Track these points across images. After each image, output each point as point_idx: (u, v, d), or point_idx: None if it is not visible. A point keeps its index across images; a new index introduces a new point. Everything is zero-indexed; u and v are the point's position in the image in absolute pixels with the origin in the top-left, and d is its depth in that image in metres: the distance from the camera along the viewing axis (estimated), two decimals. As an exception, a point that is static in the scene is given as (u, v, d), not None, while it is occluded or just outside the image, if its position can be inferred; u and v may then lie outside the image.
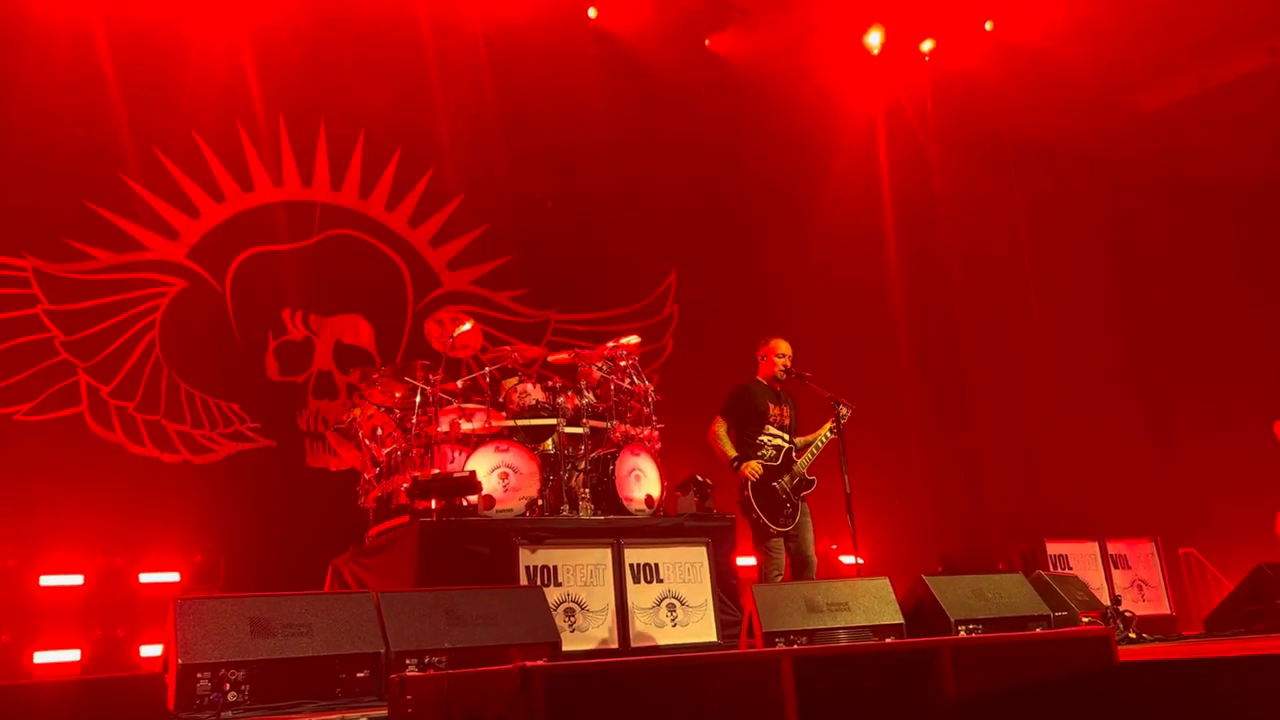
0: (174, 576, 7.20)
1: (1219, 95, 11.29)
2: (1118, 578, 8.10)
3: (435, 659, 4.28)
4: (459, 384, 6.85)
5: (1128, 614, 6.18)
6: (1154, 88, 11.71)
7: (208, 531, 7.46)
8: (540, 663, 2.50)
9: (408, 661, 4.24)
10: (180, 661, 3.83)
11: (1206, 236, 13.52)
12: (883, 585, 5.61)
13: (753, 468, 6.10)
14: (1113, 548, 8.19)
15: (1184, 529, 9.86)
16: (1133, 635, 6.00)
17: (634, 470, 6.40)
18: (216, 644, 3.93)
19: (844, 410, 6.12)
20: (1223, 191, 13.77)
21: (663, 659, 2.68)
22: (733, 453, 6.21)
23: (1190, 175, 13.43)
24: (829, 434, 6.15)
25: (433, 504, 5.82)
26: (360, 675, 4.13)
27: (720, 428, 6.28)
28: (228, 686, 3.86)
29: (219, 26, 8.43)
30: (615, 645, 5.56)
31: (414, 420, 6.35)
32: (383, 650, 4.21)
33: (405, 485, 6.11)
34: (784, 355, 6.34)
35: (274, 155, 8.74)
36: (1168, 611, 8.16)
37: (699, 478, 6.67)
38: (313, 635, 4.10)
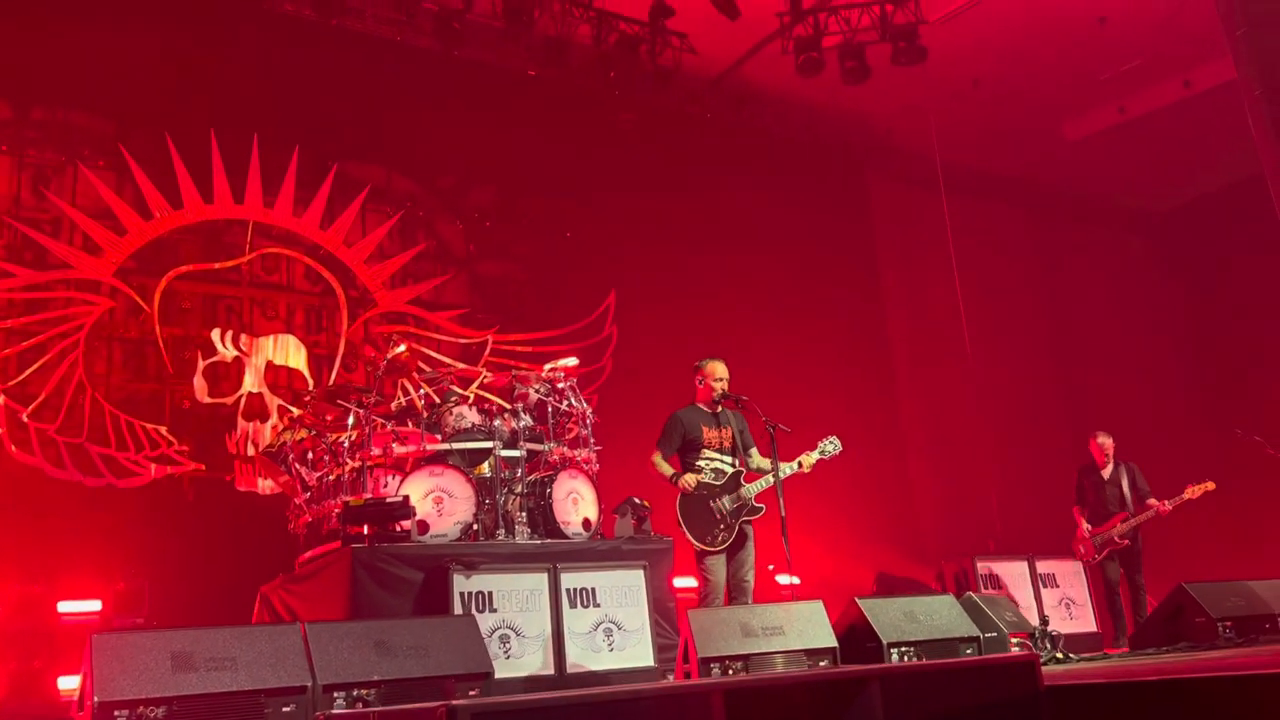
0: (95, 605, 6.95)
1: (1138, 125, 11.78)
2: (1046, 596, 8.27)
3: (364, 691, 4.20)
4: (393, 406, 6.75)
5: (1055, 634, 6.31)
6: (1078, 118, 12.19)
7: (132, 558, 7.26)
8: (468, 700, 2.47)
9: (336, 695, 4.15)
10: (96, 699, 3.70)
11: (1129, 260, 14.00)
12: (816, 609, 5.64)
13: (688, 480, 6.08)
14: (1041, 567, 8.38)
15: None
16: (1060, 655, 6.11)
17: (571, 493, 6.35)
18: (135, 680, 3.80)
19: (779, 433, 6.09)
20: (1142, 216, 14.31)
21: (590, 694, 2.67)
22: (670, 471, 6.19)
23: (1112, 201, 13.95)
24: (801, 466, 6.06)
25: (365, 529, 5.71)
26: (286, 710, 4.03)
27: (656, 456, 6.25)
28: (146, 724, 3.74)
29: (148, 39, 8.27)
30: (551, 672, 5.49)
31: (346, 443, 6.24)
32: (309, 683, 4.12)
33: (337, 510, 5.99)
34: (721, 379, 6.28)
35: (204, 172, 8.58)
36: (1094, 629, 8.37)
37: (636, 500, 6.63)
38: (236, 669, 3.99)
